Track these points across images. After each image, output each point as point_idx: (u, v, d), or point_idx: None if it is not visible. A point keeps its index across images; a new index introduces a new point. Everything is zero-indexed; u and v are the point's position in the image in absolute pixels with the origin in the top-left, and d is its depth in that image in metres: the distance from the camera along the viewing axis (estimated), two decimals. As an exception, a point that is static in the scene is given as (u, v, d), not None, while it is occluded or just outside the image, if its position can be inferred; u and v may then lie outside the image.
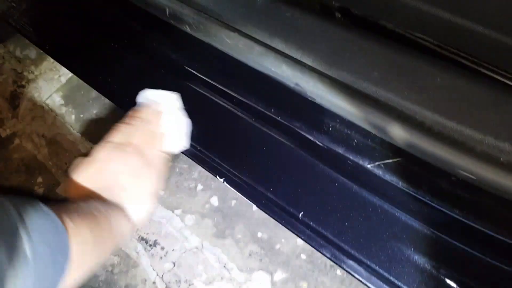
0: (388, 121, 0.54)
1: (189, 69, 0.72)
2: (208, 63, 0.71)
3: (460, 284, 0.52)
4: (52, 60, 1.45)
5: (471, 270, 0.53)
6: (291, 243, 1.11)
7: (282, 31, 0.61)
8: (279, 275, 1.09)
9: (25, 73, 1.48)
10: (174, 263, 1.13)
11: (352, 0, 0.64)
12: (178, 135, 0.69)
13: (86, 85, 0.84)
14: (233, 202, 1.18)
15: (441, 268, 0.53)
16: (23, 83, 1.46)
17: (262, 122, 0.65)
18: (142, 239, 1.18)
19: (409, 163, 0.55)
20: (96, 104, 1.38)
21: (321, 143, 0.61)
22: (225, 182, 0.65)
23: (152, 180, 0.66)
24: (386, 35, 0.60)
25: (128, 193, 0.63)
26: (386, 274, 0.55)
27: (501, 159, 0.47)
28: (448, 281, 0.53)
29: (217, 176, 0.65)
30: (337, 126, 0.60)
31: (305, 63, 0.59)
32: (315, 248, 0.58)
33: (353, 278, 0.57)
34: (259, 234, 1.13)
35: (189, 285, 1.10)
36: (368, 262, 0.56)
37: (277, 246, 1.11)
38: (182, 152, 0.70)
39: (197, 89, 0.71)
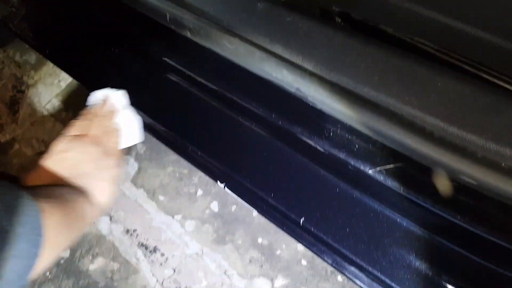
0: (389, 126, 0.53)
1: (190, 74, 0.72)
2: (209, 68, 0.71)
3: (462, 290, 0.52)
4: (51, 65, 1.45)
5: (473, 276, 0.53)
6: (291, 248, 1.10)
7: (283, 36, 0.61)
8: (280, 281, 1.09)
9: (25, 78, 1.48)
10: (174, 270, 1.13)
11: (352, 5, 0.64)
12: (130, 129, 0.73)
13: (86, 89, 0.84)
14: (233, 207, 1.18)
15: (443, 274, 0.53)
16: (23, 88, 1.46)
17: (262, 127, 0.65)
18: (142, 245, 1.17)
19: (410, 168, 0.55)
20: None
21: (322, 148, 0.60)
22: (226, 188, 0.64)
23: (111, 166, 0.69)
24: (387, 40, 0.60)
25: (90, 179, 0.66)
26: (387, 280, 0.55)
27: (503, 164, 0.47)
28: (450, 287, 0.52)
29: (218, 182, 0.65)
30: (338, 131, 0.60)
31: (306, 68, 0.59)
32: (316, 254, 0.58)
33: (354, 284, 0.57)
34: (260, 240, 1.13)
35: (189, 291, 1.10)
36: (370, 268, 0.56)
37: (278, 252, 1.11)
38: (182, 157, 0.69)
39: (198, 94, 0.71)
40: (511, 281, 0.51)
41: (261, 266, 1.09)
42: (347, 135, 0.60)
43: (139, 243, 1.17)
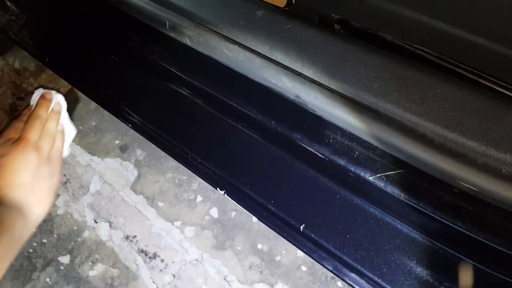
0: (389, 133, 0.54)
1: (189, 81, 0.72)
2: (208, 75, 0.71)
3: (463, 296, 0.52)
4: (51, 72, 1.46)
5: (474, 282, 0.53)
6: (291, 254, 1.10)
7: (282, 43, 0.61)
8: (280, 287, 1.08)
9: (24, 86, 1.48)
10: (174, 276, 1.12)
11: (351, 12, 0.64)
12: (68, 136, 0.71)
13: (85, 97, 0.84)
14: (233, 213, 1.18)
15: (444, 281, 0.53)
16: (22, 95, 1.46)
17: (262, 134, 0.65)
18: (142, 251, 1.17)
19: (410, 175, 0.55)
20: (95, 116, 1.38)
21: (322, 155, 0.61)
22: (225, 195, 0.64)
23: (50, 176, 0.64)
24: (386, 46, 0.60)
25: (26, 190, 0.60)
26: (388, 287, 0.55)
27: (503, 170, 0.47)
28: (451, 293, 0.53)
29: (218, 188, 0.65)
30: (338, 138, 0.60)
31: (305, 75, 0.59)
32: (316, 261, 0.58)
33: (355, 290, 0.57)
34: (259, 246, 1.12)
35: (189, 297, 1.09)
36: (370, 275, 0.56)
37: (278, 258, 1.11)
38: (182, 164, 0.69)
39: (197, 101, 0.71)
40: (512, 287, 0.51)
41: (261, 272, 1.09)
42: (347, 141, 0.60)
43: (138, 249, 1.17)
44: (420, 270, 0.54)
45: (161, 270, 1.14)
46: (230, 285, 1.09)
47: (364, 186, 0.58)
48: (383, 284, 0.55)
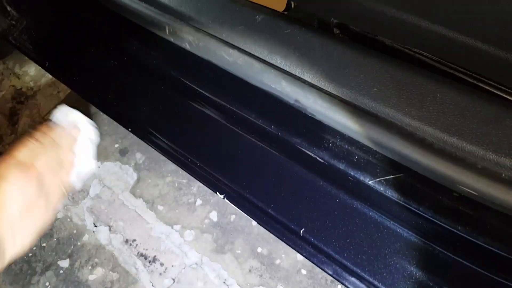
0: (388, 137, 0.54)
1: (189, 85, 0.72)
2: (208, 80, 0.71)
3: (463, 301, 0.52)
4: (50, 76, 1.46)
5: (474, 286, 0.53)
6: (291, 258, 1.10)
7: (282, 47, 0.61)
8: (280, 291, 1.08)
9: (24, 90, 1.48)
10: (173, 279, 1.12)
11: (350, 17, 0.64)
12: (84, 170, 0.65)
13: (85, 100, 0.84)
14: (233, 217, 1.18)
15: (443, 285, 0.53)
16: (22, 99, 1.47)
17: (262, 138, 0.65)
18: (141, 255, 1.17)
19: (410, 179, 0.55)
20: (95, 120, 1.38)
21: (322, 159, 0.61)
22: (225, 199, 0.64)
23: (42, 215, 0.58)
24: (385, 50, 0.61)
25: (13, 225, 0.54)
26: (388, 291, 0.55)
27: (503, 174, 0.47)
28: (451, 298, 0.52)
29: (218, 193, 0.65)
30: (338, 142, 0.60)
31: (304, 80, 0.59)
32: (316, 265, 0.58)
33: (355, 294, 0.56)
34: (259, 249, 1.12)
35: (189, 301, 1.09)
36: (370, 279, 0.56)
37: (277, 261, 1.10)
38: (182, 168, 0.69)
39: (197, 105, 0.71)
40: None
41: (261, 275, 1.09)
42: (346, 146, 0.60)
43: (138, 253, 1.17)
44: (420, 274, 0.54)
45: (160, 274, 1.13)
46: (230, 288, 1.09)
47: (364, 190, 0.58)
48: (383, 288, 0.55)
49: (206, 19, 0.66)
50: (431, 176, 0.52)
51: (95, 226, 1.22)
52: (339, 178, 0.60)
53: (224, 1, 0.68)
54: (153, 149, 0.73)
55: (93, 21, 0.87)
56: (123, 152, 1.33)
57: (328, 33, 0.64)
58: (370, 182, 0.57)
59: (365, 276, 0.56)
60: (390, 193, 0.56)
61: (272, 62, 0.61)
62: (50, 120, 0.65)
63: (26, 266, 1.18)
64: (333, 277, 0.57)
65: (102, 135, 1.36)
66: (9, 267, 1.17)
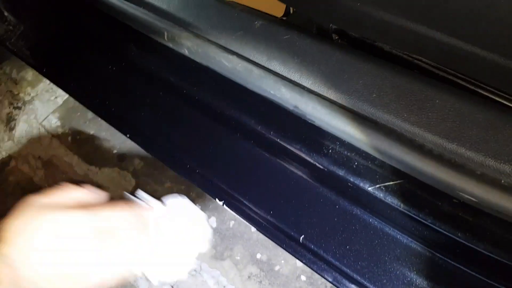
0: (388, 143, 0.54)
1: (188, 91, 0.72)
2: (207, 85, 0.71)
3: (464, 308, 0.52)
4: (48, 82, 1.46)
5: (475, 293, 0.53)
6: (290, 264, 1.10)
7: (280, 53, 0.61)
8: (279, 297, 1.08)
9: (21, 95, 1.48)
10: (172, 287, 1.12)
11: (349, 22, 0.64)
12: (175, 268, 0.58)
13: (83, 106, 0.83)
14: (232, 223, 1.17)
15: (444, 292, 0.52)
16: (19, 104, 1.46)
17: (261, 144, 0.65)
18: (140, 261, 1.16)
19: (410, 185, 0.55)
20: (93, 125, 1.38)
21: (321, 165, 0.60)
22: (224, 205, 0.64)
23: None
24: (384, 56, 0.61)
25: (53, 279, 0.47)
26: (388, 298, 0.54)
27: (502, 181, 0.47)
28: (452, 304, 0.52)
29: (217, 199, 0.65)
30: (337, 148, 0.60)
31: (303, 86, 0.59)
32: (316, 272, 0.57)
33: (355, 302, 0.56)
34: (258, 256, 1.12)
35: (188, 308, 1.08)
36: (370, 286, 0.55)
37: (277, 268, 1.10)
38: (181, 175, 0.69)
39: (195, 111, 0.71)
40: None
41: (260, 282, 1.09)
42: (346, 152, 0.60)
43: (136, 259, 1.16)
44: (420, 281, 0.53)
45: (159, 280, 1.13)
46: (228, 295, 1.09)
47: (364, 197, 0.58)
48: (383, 295, 0.55)
49: (205, 25, 0.66)
50: (431, 182, 0.51)
51: (93, 232, 1.22)
52: (338, 184, 0.59)
53: (223, 7, 0.68)
54: (151, 155, 0.73)
55: (92, 27, 0.87)
56: (121, 158, 1.33)
57: (327, 39, 0.64)
58: (369, 189, 0.57)
59: (365, 283, 0.56)
60: (390, 200, 0.56)
61: (271, 68, 0.61)
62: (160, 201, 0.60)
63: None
64: (333, 284, 0.57)
65: (100, 140, 1.36)
66: None
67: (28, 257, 0.46)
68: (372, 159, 0.57)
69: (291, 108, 0.61)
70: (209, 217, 1.19)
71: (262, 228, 0.62)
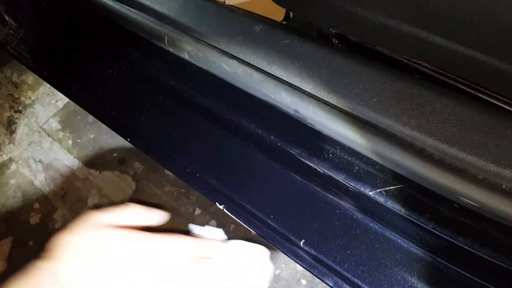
0: (388, 148, 0.54)
1: (188, 95, 0.72)
2: (207, 90, 0.71)
3: (465, 313, 0.52)
4: (48, 85, 1.46)
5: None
6: (291, 268, 1.09)
7: (281, 58, 0.61)
8: (279, 301, 1.07)
9: (22, 98, 1.48)
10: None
11: (349, 27, 0.64)
12: None
13: (83, 109, 0.83)
14: (232, 226, 1.17)
15: (445, 297, 0.52)
16: (20, 108, 1.46)
17: (262, 148, 0.65)
18: (140, 265, 1.16)
19: (410, 190, 0.55)
20: (94, 129, 1.38)
21: (322, 169, 0.60)
22: (225, 209, 0.64)
23: None
24: (384, 61, 0.61)
25: None
26: (389, 303, 0.54)
27: (503, 186, 0.47)
28: (453, 310, 0.52)
29: (217, 203, 0.65)
30: (338, 152, 0.60)
31: (304, 90, 0.59)
32: (317, 277, 0.57)
33: (356, 306, 0.56)
34: (259, 259, 1.12)
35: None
36: (371, 291, 0.55)
37: (277, 271, 1.10)
38: (181, 178, 0.69)
39: (195, 115, 0.71)
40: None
41: (261, 285, 1.09)
42: (346, 156, 0.60)
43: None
44: (421, 286, 0.53)
45: (159, 284, 1.13)
46: (229, 299, 1.08)
47: (364, 201, 0.58)
48: (384, 299, 0.55)
49: (205, 29, 0.66)
50: (432, 187, 0.51)
51: (93, 236, 1.21)
52: (339, 188, 0.59)
53: (223, 11, 0.68)
54: (151, 159, 0.73)
55: (92, 31, 0.87)
56: (121, 162, 1.33)
57: (327, 43, 0.64)
58: (370, 193, 0.57)
59: (366, 287, 0.55)
60: (391, 204, 0.56)
61: (271, 72, 0.61)
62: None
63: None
64: (334, 289, 0.57)
65: (100, 144, 1.36)
66: (7, 276, 1.16)
67: (79, 277, 0.44)
68: (373, 163, 0.57)
69: (291, 112, 0.61)
70: (209, 220, 1.19)
71: (262, 232, 0.62)
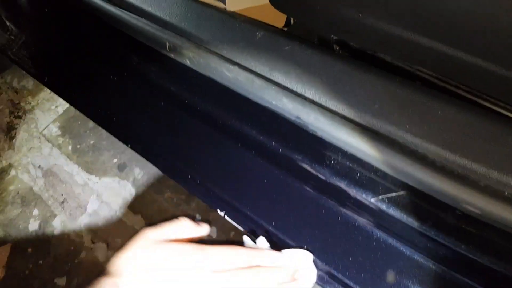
0: (390, 154, 0.53)
1: (189, 101, 0.72)
2: (209, 96, 0.71)
3: (468, 321, 0.51)
4: (49, 91, 1.46)
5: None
6: (291, 274, 1.09)
7: (282, 64, 0.61)
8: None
9: (22, 104, 1.48)
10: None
11: (350, 33, 0.64)
12: None
13: (83, 115, 0.83)
14: (232, 233, 1.17)
15: (448, 304, 0.52)
16: (20, 113, 1.46)
17: (263, 155, 0.65)
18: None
19: (412, 196, 0.55)
20: (93, 134, 1.38)
21: (323, 176, 0.60)
22: (226, 216, 0.64)
23: None
24: (386, 67, 0.61)
25: None
26: (391, 310, 0.54)
27: (505, 193, 0.46)
28: (455, 317, 0.52)
29: (218, 210, 0.64)
30: (339, 159, 0.60)
31: (305, 96, 0.59)
32: (319, 284, 0.57)
33: (357, 314, 0.56)
34: (259, 266, 1.11)
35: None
36: (373, 298, 0.55)
37: (277, 278, 1.09)
38: (181, 185, 0.69)
39: (197, 121, 0.71)
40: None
41: (261, 292, 1.08)
42: (348, 163, 0.59)
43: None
44: (423, 293, 0.53)
45: (159, 291, 1.12)
46: (229, 306, 1.08)
47: (366, 208, 0.57)
48: (386, 307, 0.54)
49: (207, 35, 0.66)
50: (434, 194, 0.51)
51: (93, 243, 1.21)
52: (341, 195, 0.59)
53: (224, 17, 0.68)
54: (151, 165, 0.73)
55: (94, 37, 0.87)
56: (121, 167, 1.32)
57: (328, 50, 0.64)
58: (372, 200, 0.56)
59: (367, 295, 0.55)
60: (393, 211, 0.55)
61: (272, 78, 0.61)
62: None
63: (23, 283, 1.16)
64: (335, 296, 0.56)
65: (100, 150, 1.36)
66: (5, 283, 1.16)
67: None
68: (375, 170, 0.57)
69: (293, 118, 0.61)
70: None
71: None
